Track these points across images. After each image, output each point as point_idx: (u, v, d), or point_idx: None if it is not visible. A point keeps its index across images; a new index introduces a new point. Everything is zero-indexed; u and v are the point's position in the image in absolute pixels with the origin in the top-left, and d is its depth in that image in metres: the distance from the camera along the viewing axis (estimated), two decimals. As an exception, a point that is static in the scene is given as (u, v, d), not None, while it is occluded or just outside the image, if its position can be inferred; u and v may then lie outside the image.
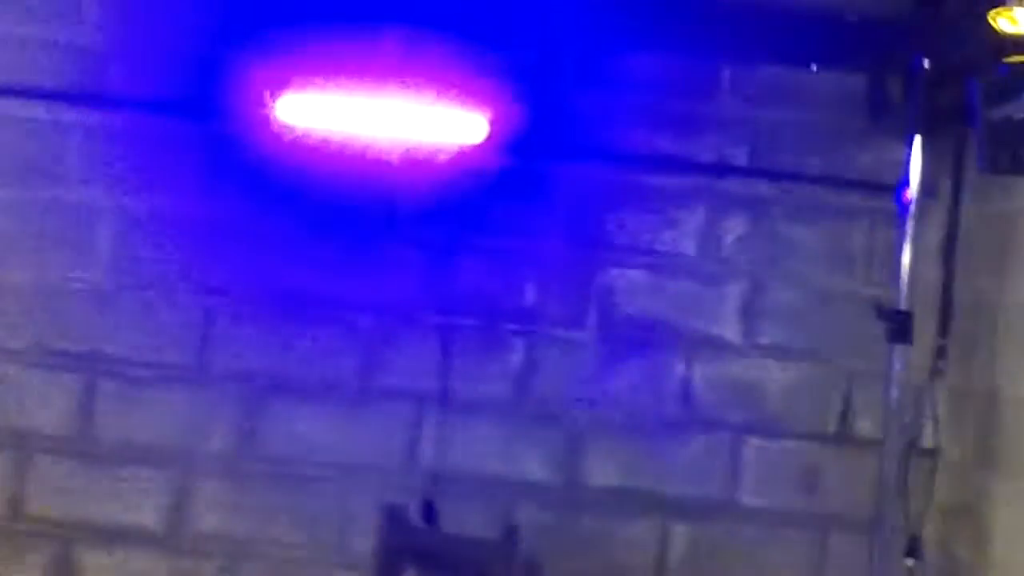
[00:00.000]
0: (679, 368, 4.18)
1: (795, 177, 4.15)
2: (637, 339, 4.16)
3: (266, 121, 3.79)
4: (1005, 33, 3.57)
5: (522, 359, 4.15)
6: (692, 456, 4.18)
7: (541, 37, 3.96)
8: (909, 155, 4.07)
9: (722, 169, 4.14)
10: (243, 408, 4.10)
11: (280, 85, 3.67)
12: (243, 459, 4.12)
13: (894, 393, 3.96)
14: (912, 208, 4.08)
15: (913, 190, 4.05)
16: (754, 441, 4.19)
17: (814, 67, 4.10)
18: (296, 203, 4.03)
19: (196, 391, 4.10)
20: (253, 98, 3.81)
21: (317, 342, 4.12)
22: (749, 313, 4.20)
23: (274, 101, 3.72)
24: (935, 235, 4.10)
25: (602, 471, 4.17)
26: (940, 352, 4.10)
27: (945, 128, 4.05)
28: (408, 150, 3.91)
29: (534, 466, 4.16)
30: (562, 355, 4.17)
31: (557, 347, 4.16)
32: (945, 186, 4.11)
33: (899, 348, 3.92)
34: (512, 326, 4.14)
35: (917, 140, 4.07)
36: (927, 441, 4.07)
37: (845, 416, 4.18)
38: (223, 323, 4.09)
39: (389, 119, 3.74)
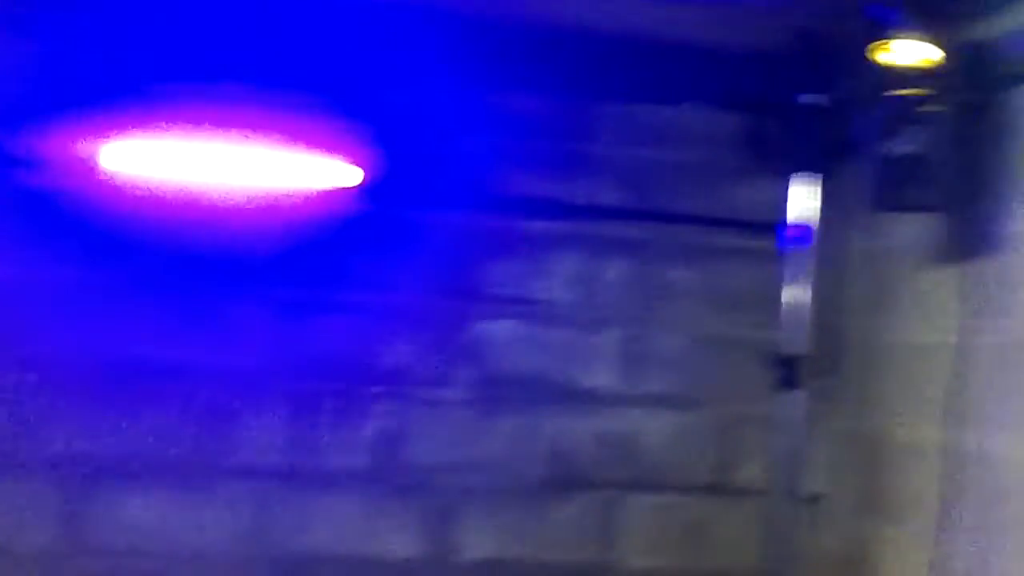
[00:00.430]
0: (555, 424, 3.86)
1: (674, 218, 3.96)
2: (510, 395, 3.87)
3: (89, 171, 3.25)
4: (888, 67, 3.46)
5: (385, 425, 3.76)
6: (571, 518, 3.93)
7: (408, 79, 3.64)
8: (792, 193, 3.93)
9: (598, 212, 3.87)
10: (64, 498, 3.55)
11: (107, 133, 3.14)
12: (67, 556, 3.58)
13: (780, 440, 3.87)
14: (796, 247, 3.94)
15: (797, 229, 3.92)
16: (636, 498, 3.96)
17: (690, 105, 3.88)
18: (125, 260, 3.54)
19: (8, 481, 3.49)
20: (73, 147, 3.26)
21: (150, 418, 3.61)
22: (628, 361, 3.98)
23: (98, 149, 3.18)
24: (819, 275, 3.93)
25: (476, 542, 3.87)
26: (824, 395, 3.93)
27: (829, 165, 3.96)
28: (256, 198, 3.45)
29: (401, 542, 3.81)
30: (430, 417, 3.82)
31: (424, 409, 3.83)
32: (829, 224, 3.94)
33: (785, 393, 3.85)
34: (375, 389, 3.74)
35: (800, 178, 3.97)
36: (813, 488, 3.95)
37: (730, 466, 3.98)
38: (39, 401, 3.52)
39: (234, 165, 3.27)
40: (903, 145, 3.53)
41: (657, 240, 3.95)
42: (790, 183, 3.92)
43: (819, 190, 3.94)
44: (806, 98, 3.85)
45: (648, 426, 3.97)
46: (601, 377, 3.95)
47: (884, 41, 3.42)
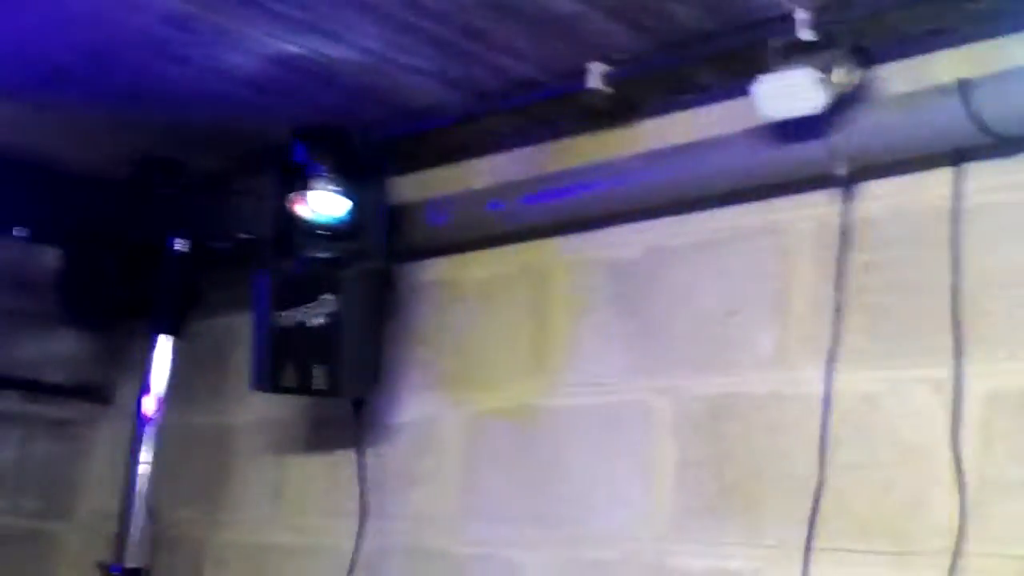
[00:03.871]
0: None
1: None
2: None
3: None
4: (296, 220, 3.06)
5: None
6: None
7: None
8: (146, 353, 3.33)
9: None
10: None
11: None
12: None
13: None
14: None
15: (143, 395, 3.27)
16: None
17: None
18: None
19: None
20: None
21: None
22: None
23: None
24: (158, 455, 3.37)
25: None
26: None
27: (183, 324, 3.43)
28: None
29: None
30: None
31: None
32: (174, 394, 3.41)
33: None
34: None
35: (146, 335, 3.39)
36: None
37: None
38: None
39: None
40: (297, 312, 3.04)
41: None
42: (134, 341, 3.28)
43: (171, 351, 3.27)
44: (177, 243, 3.18)
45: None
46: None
47: (298, 192, 2.96)
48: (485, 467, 3.18)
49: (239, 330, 3.51)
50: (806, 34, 2.52)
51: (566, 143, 3.13)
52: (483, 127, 3.10)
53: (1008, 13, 2.39)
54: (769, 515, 2.66)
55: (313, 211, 3.02)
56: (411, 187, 3.34)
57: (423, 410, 3.32)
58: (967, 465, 2.40)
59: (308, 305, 3.07)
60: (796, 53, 2.52)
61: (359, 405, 3.29)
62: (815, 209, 2.71)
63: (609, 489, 2.94)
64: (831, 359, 2.61)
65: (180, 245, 3.27)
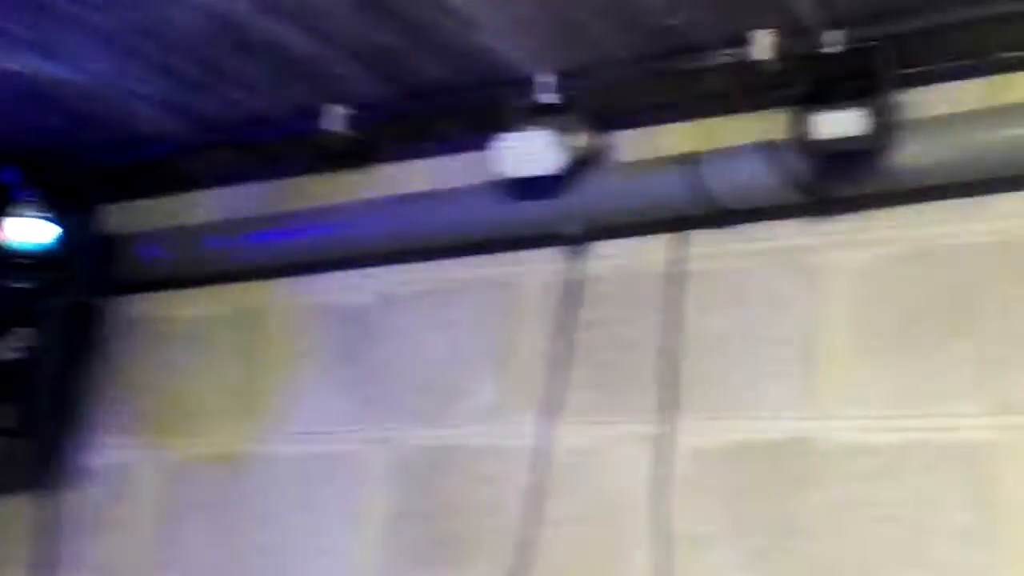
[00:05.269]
0: None
1: None
2: None
3: None
4: None
5: None
6: None
7: None
8: None
9: None
10: None
11: None
12: None
13: None
14: None
15: None
16: None
17: None
18: None
19: None
20: None
21: None
22: None
23: None
24: None
25: None
26: None
27: None
28: None
29: None
30: None
31: None
32: None
33: None
34: None
35: None
36: None
37: None
38: None
39: None
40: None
41: None
42: None
43: None
44: None
45: None
46: None
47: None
48: (185, 516, 3.04)
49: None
50: (547, 97, 2.61)
51: (298, 183, 3.09)
52: (209, 159, 3.01)
53: (732, 95, 2.58)
54: (478, 568, 2.67)
55: (13, 237, 2.83)
56: (128, 217, 3.20)
57: (121, 454, 3.15)
58: (670, 521, 2.51)
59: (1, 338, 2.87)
60: (536, 115, 2.61)
61: (51, 447, 3.07)
62: (545, 266, 2.79)
63: (316, 540, 2.87)
64: (549, 413, 2.68)
65: None
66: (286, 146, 2.94)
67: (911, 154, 2.39)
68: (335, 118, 2.80)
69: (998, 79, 2.45)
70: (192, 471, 3.09)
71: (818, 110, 2.34)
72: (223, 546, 2.98)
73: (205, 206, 3.21)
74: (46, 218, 2.87)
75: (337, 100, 2.81)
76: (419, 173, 2.96)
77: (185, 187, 3.19)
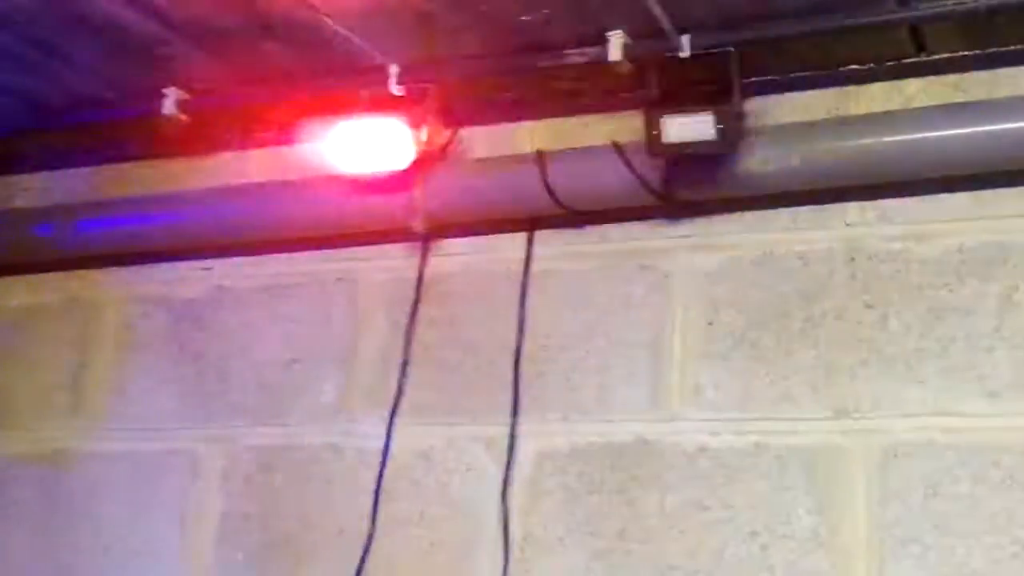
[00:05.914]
0: None
1: None
2: None
3: None
4: None
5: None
6: None
7: None
8: None
9: None
10: None
11: None
12: None
13: None
14: None
15: None
16: None
17: None
18: None
19: None
20: None
21: None
22: None
23: None
24: None
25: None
26: None
27: None
28: None
29: None
30: None
31: None
32: None
33: None
34: None
35: None
36: None
37: None
38: None
39: None
40: None
41: None
42: None
43: None
44: None
45: None
46: None
47: None
48: (4, 516, 2.90)
49: None
50: (397, 89, 2.54)
51: (132, 168, 2.98)
52: (39, 141, 2.86)
53: (585, 95, 2.56)
54: (316, 570, 2.60)
55: None
56: (-52, 200, 3.05)
57: (-68, 452, 2.98)
58: (514, 522, 2.48)
59: None
60: (384, 106, 2.54)
61: None
62: (390, 262, 2.73)
63: (143, 541, 2.77)
64: (391, 413, 2.62)
65: None
66: (121, 130, 2.79)
67: (760, 160, 2.40)
68: (172, 102, 2.69)
69: (848, 90, 2.49)
70: (14, 469, 2.95)
71: (669, 113, 2.34)
72: (45, 549, 2.85)
73: (34, 190, 3.07)
74: None
75: (175, 84, 2.69)
76: (259, 162, 2.87)
77: (13, 169, 3.05)
